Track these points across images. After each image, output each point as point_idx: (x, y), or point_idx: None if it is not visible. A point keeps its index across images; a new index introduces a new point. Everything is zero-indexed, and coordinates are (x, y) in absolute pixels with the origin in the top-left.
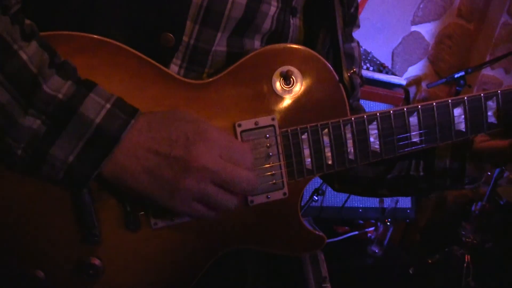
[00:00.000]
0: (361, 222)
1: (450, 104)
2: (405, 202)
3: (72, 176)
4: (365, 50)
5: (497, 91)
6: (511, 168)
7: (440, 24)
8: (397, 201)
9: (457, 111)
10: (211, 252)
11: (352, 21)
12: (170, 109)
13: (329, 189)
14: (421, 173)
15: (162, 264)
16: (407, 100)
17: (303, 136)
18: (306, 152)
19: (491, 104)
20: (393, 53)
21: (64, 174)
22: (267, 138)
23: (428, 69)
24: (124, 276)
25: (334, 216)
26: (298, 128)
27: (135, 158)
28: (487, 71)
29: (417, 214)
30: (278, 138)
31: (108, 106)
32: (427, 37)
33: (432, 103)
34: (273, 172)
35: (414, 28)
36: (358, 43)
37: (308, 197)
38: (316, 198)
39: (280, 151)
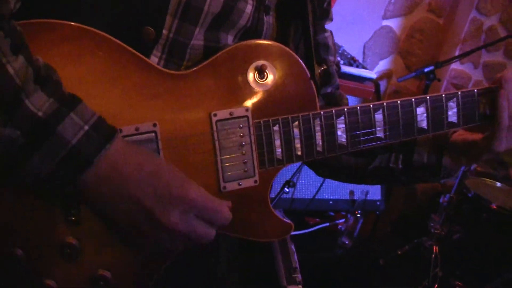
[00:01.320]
0: (332, 214)
1: (413, 103)
2: (375, 194)
3: (46, 188)
4: (336, 44)
5: (458, 92)
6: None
7: (411, 19)
8: (367, 193)
9: (420, 110)
10: None
11: (325, 15)
12: (154, 158)
13: (300, 181)
14: (400, 166)
15: (137, 246)
16: (377, 94)
17: (274, 128)
18: (277, 142)
19: (452, 104)
20: (364, 47)
21: (38, 185)
22: (240, 128)
23: (399, 63)
24: (100, 256)
25: (305, 208)
26: (270, 120)
27: (116, 192)
28: (456, 66)
29: (387, 206)
30: (251, 128)
31: (86, 128)
32: (398, 31)
33: (397, 101)
34: (245, 160)
35: (385, 22)
36: (331, 32)
37: (279, 189)
38: (287, 190)
39: (253, 140)
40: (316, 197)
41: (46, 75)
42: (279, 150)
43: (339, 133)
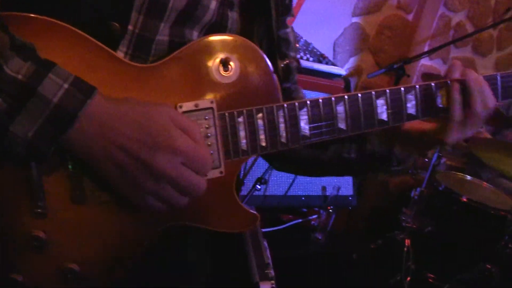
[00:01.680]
0: (305, 210)
1: (373, 95)
2: (347, 189)
3: (31, 150)
4: (305, 41)
5: (415, 85)
6: (445, 147)
7: (380, 16)
8: (338, 189)
9: (380, 102)
10: (153, 226)
11: (286, 11)
12: (140, 100)
13: (272, 177)
14: (352, 155)
15: (105, 238)
16: (347, 90)
17: (239, 119)
18: (242, 134)
19: (410, 97)
20: (334, 44)
21: (23, 148)
22: (206, 119)
23: (369, 60)
24: (68, 249)
25: (278, 205)
26: (235, 112)
27: (103, 146)
28: (425, 61)
29: (360, 201)
30: (216, 120)
31: (65, 86)
32: (367, 28)
33: (357, 94)
34: (211, 151)
35: (354, 19)
36: (292, 28)
37: (251, 186)
38: (259, 187)
39: (218, 132)
40: (288, 193)
41: (20, 42)
42: (244, 141)
43: (302, 124)
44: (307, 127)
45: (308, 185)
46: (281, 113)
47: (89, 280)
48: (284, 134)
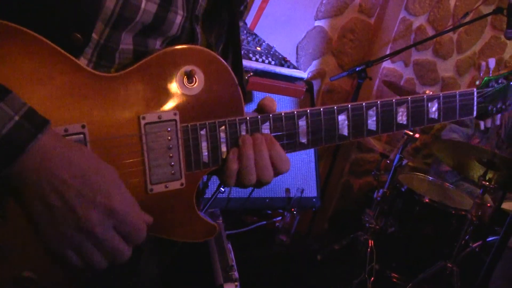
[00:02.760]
0: (269, 212)
1: (335, 111)
2: (311, 191)
3: None
4: (268, 44)
5: (377, 101)
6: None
7: (342, 19)
8: (302, 191)
9: (341, 117)
10: None
11: (240, 18)
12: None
13: None
14: None
15: None
16: (310, 93)
17: (201, 132)
18: (204, 146)
19: (371, 113)
20: (297, 47)
21: None
22: (168, 131)
23: (332, 63)
24: (26, 256)
25: (242, 207)
26: (198, 124)
27: (40, 185)
28: (387, 64)
29: (324, 203)
30: (179, 132)
31: (16, 118)
32: (330, 31)
33: (320, 109)
34: (172, 163)
35: (317, 22)
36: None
37: (215, 189)
38: (223, 190)
39: (180, 144)
40: (252, 195)
41: None
42: (206, 153)
43: None
44: None
45: (272, 187)
46: (243, 126)
47: None
48: None
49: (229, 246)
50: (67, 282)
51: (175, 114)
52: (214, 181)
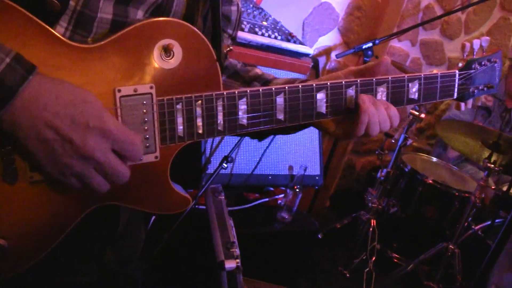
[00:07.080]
0: (271, 189)
1: (314, 89)
2: (314, 169)
3: None
4: (274, 19)
5: (357, 80)
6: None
7: None
8: (305, 168)
9: (320, 95)
10: (84, 205)
11: None
12: (74, 83)
13: (239, 156)
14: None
15: (35, 216)
16: (316, 69)
17: (177, 106)
18: (179, 120)
19: (351, 91)
20: (303, 23)
21: None
22: (144, 104)
23: (338, 40)
24: None
25: (244, 183)
26: (174, 98)
27: (32, 123)
28: (394, 43)
29: (326, 181)
30: (154, 106)
31: (7, 60)
32: (337, 8)
33: (298, 86)
34: (147, 136)
35: None
36: (238, 6)
37: (217, 164)
38: (226, 165)
39: (155, 118)
40: (255, 172)
41: None
42: (181, 127)
43: (240, 114)
44: (245, 116)
45: (275, 164)
46: (220, 101)
47: (16, 256)
48: (221, 123)
49: (231, 222)
50: (37, 251)
51: (151, 87)
52: (216, 156)
